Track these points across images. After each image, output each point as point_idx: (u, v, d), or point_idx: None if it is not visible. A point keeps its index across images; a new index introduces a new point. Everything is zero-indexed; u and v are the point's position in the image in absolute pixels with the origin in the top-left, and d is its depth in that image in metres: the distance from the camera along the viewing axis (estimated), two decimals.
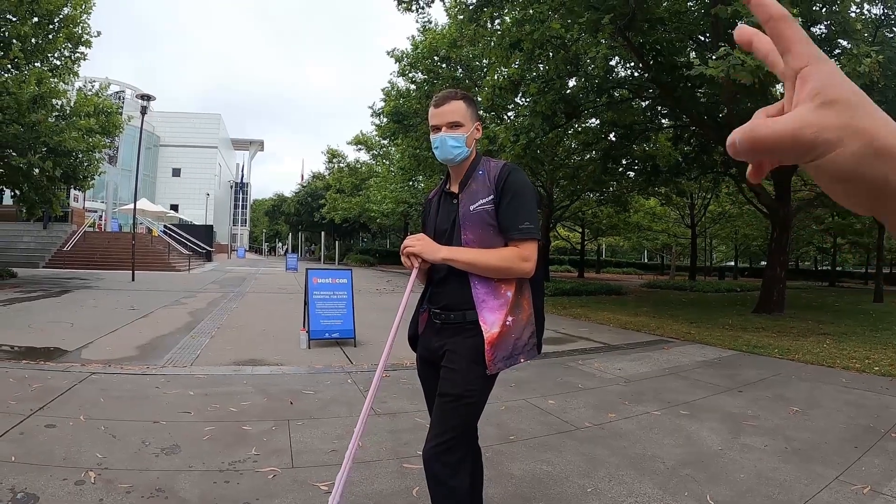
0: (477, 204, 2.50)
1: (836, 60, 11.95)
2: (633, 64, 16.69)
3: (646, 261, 70.91)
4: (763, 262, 44.95)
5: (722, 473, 4.27)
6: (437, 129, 2.55)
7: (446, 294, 2.57)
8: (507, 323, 2.46)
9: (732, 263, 56.58)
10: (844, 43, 12.68)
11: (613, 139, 20.59)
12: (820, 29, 13.15)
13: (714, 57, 9.87)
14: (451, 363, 2.51)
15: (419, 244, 2.51)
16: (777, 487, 4.05)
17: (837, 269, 49.24)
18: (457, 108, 2.54)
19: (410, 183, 38.96)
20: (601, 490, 3.88)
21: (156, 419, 4.99)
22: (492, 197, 2.48)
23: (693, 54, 13.27)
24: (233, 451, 4.33)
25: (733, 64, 9.57)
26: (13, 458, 3.91)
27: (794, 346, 10.44)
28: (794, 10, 9.48)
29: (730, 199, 32.58)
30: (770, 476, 4.25)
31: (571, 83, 16.74)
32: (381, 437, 4.76)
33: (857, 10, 12.32)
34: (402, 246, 2.57)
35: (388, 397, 5.96)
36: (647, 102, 18.87)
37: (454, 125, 2.53)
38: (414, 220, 44.28)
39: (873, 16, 13.05)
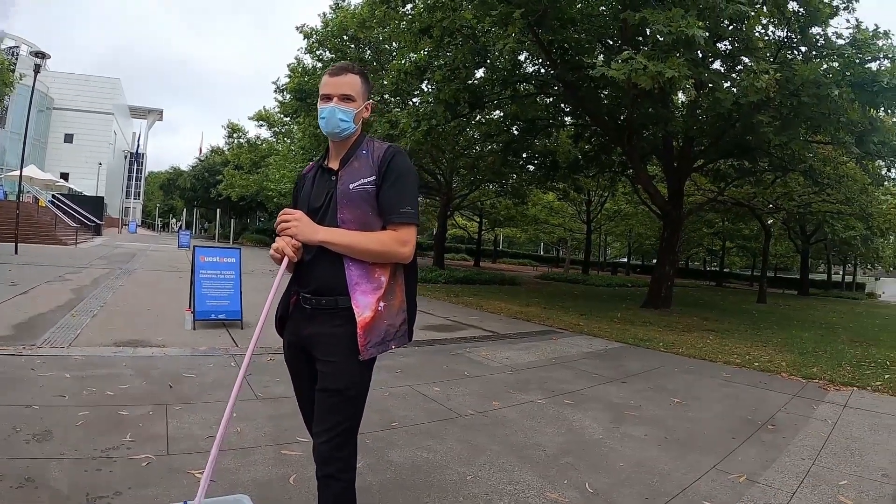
0: (357, 182, 2.38)
1: (736, 76, 12.58)
2: (540, 60, 16.89)
3: (542, 253, 72.44)
4: (655, 261, 46.91)
5: (602, 462, 4.30)
6: (329, 98, 2.44)
7: (317, 276, 2.44)
8: (380, 308, 2.38)
9: (626, 259, 58.69)
10: (746, 60, 13.31)
11: (515, 132, 20.88)
12: (725, 45, 13.75)
13: (619, 60, 10.07)
14: (328, 356, 2.41)
15: (296, 224, 2.36)
16: (656, 475, 4.10)
17: (725, 270, 52.35)
18: (352, 82, 2.45)
19: (310, 163, 38.10)
20: (481, 477, 3.83)
21: (28, 403, 4.65)
22: (374, 178, 2.38)
23: (601, 57, 13.55)
24: (107, 437, 4.08)
25: (635, 68, 9.81)
26: None
27: (679, 340, 10.84)
28: (701, 24, 9.86)
29: (626, 199, 33.75)
30: (649, 464, 4.31)
31: (478, 74, 16.84)
32: (260, 423, 4.57)
33: (762, 30, 12.96)
34: (277, 222, 2.41)
35: (270, 381, 5.76)
36: (550, 99, 19.23)
37: (346, 98, 2.43)
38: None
39: (777, 37, 13.74)
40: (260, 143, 52.67)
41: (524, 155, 23.02)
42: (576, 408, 5.75)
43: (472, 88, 16.03)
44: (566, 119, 20.85)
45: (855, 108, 12.15)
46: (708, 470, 4.27)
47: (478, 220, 44.84)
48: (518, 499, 3.54)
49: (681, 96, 16.58)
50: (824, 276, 51.30)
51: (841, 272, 54.32)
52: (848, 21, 12.89)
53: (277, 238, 2.42)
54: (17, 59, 43.09)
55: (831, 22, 12.76)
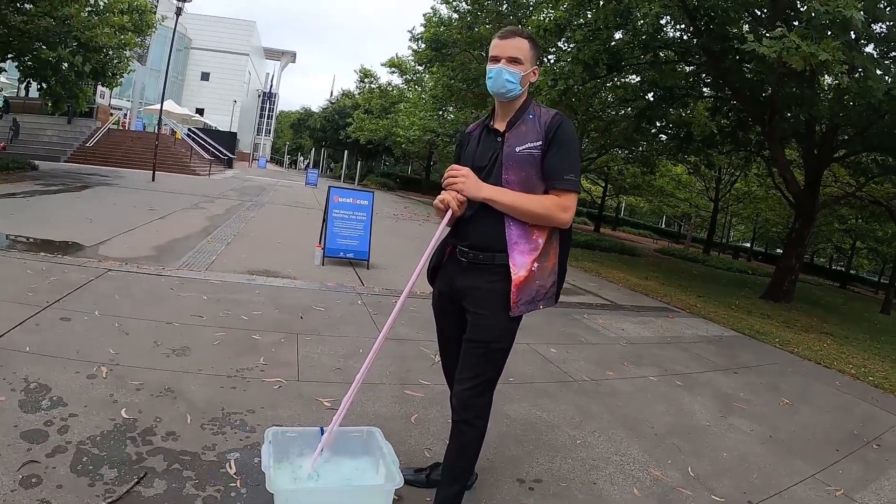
0: (524, 146, 2.50)
1: (891, 64, 11.75)
2: (683, 27, 16.22)
3: (662, 226, 70.29)
4: (779, 250, 44.83)
5: (706, 448, 4.39)
6: (497, 60, 2.53)
7: (477, 232, 2.57)
8: (534, 269, 2.53)
9: (748, 245, 56.18)
10: None
11: (651, 99, 20.14)
12: (881, 27, 12.71)
13: (769, 36, 9.66)
14: (480, 308, 2.58)
15: (464, 181, 2.50)
16: (755, 472, 4.16)
17: (851, 271, 48.97)
18: (520, 45, 2.52)
19: (440, 112, 38.35)
20: (590, 443, 4.02)
21: (169, 320, 5.13)
22: (540, 143, 2.49)
23: (747, 27, 12.94)
24: (241, 358, 4.47)
25: (787, 47, 9.36)
26: (27, 349, 4.03)
27: (796, 338, 10.44)
28: (859, 4, 9.22)
29: (758, 181, 31.84)
30: (751, 460, 4.36)
31: (618, 35, 16.30)
32: (386, 361, 4.87)
33: None
34: (445, 177, 2.56)
35: (397, 323, 6.07)
36: (691, 68, 18.41)
37: (514, 61, 2.51)
38: (439, 150, 43.62)
39: None
40: (391, 89, 53.21)
41: (658, 124, 22.19)
42: (686, 390, 5.82)
43: (612, 50, 15.59)
44: (705, 91, 19.99)
45: None
46: (807, 477, 4.25)
47: (603, 185, 44.00)
48: (623, 470, 3.72)
49: (828, 79, 15.52)
50: None
51: None
52: None
53: (444, 191, 2.56)
54: (158, 1, 45.27)
55: None
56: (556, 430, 4.15)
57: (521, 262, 2.50)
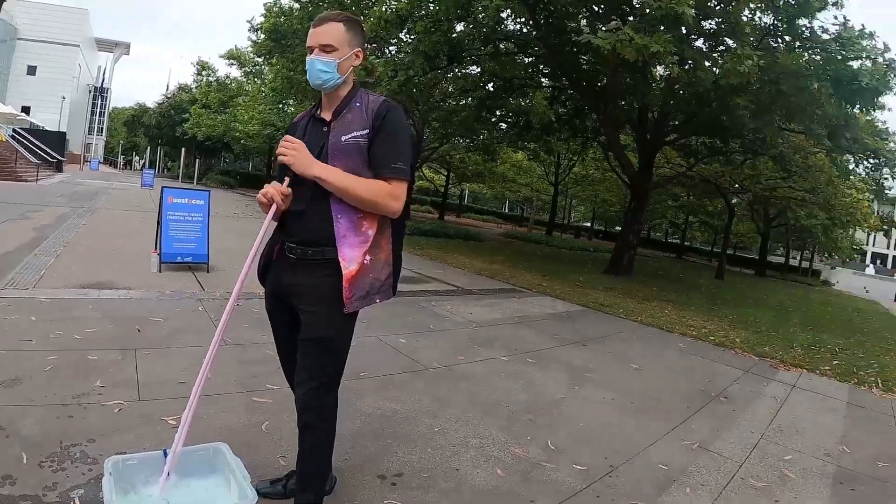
0: (350, 135, 2.40)
1: (718, 56, 12.80)
2: (523, 20, 16.72)
3: (506, 211, 72.55)
4: (618, 228, 47.79)
5: (563, 421, 4.49)
6: (311, 50, 2.44)
7: (304, 227, 2.46)
8: (366, 262, 2.43)
9: (589, 224, 59.17)
10: (730, 42, 13.48)
11: (491, 90, 20.76)
12: (710, 24, 13.78)
13: (604, 29, 10.16)
14: (312, 306, 2.47)
15: (295, 153, 2.36)
16: (614, 437, 4.32)
17: (686, 243, 53.20)
18: (333, 31, 2.42)
19: (280, 106, 37.78)
20: (448, 430, 3.97)
21: None
22: (367, 131, 2.40)
23: (584, 22, 13.55)
24: (77, 382, 4.02)
25: (621, 39, 9.93)
26: None
27: (639, 308, 11.11)
28: (691, 2, 9.89)
29: (595, 165, 33.98)
30: (608, 426, 4.53)
31: (459, 27, 16.60)
32: (229, 369, 4.57)
33: (750, 15, 13.00)
34: (279, 150, 2.41)
35: (237, 326, 5.71)
36: (530, 59, 19.14)
37: (327, 48, 2.41)
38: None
39: (763, 24, 13.81)
40: (229, 82, 51.35)
41: (498, 113, 23.04)
42: (538, 367, 5.93)
43: (453, 42, 15.88)
44: (543, 81, 20.84)
45: (832, 102, 12.59)
46: (663, 435, 4.50)
47: (445, 173, 44.68)
48: (484, 452, 3.69)
49: (659, 70, 16.73)
50: (782, 260, 52.53)
51: (798, 258, 55.75)
52: (836, 18, 13.00)
53: (267, 185, 2.42)
54: None
55: (819, 16, 12.91)
56: (412, 420, 4.06)
57: (351, 256, 2.41)
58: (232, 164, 64.91)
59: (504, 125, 24.87)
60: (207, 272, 9.04)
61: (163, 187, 9.48)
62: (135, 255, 9.56)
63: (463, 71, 20.54)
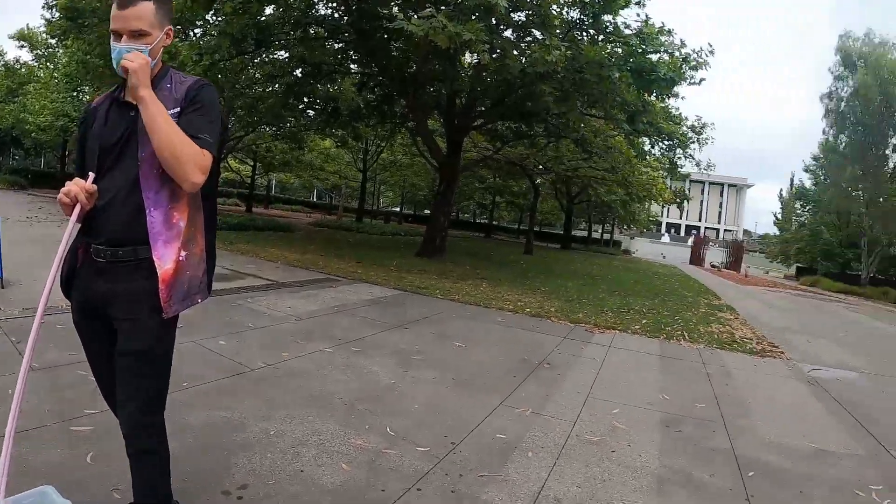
0: None
1: (525, 46, 13.68)
2: (335, 5, 16.69)
3: (315, 199, 71.79)
4: (427, 211, 49.00)
5: (397, 405, 4.54)
6: (118, 35, 2.14)
7: (112, 224, 2.17)
8: (182, 258, 2.22)
9: (398, 209, 60.04)
10: (537, 33, 14.27)
11: (299, 75, 20.44)
12: (519, 16, 14.49)
13: (418, 16, 10.44)
14: (126, 315, 2.20)
15: (141, 64, 2.08)
16: (450, 415, 4.45)
17: (494, 223, 56.10)
18: (143, 13, 2.13)
19: (75, 94, 34.47)
20: (284, 431, 3.83)
21: None
22: (179, 110, 2.17)
23: (397, 9, 13.64)
24: None
25: (434, 26, 10.22)
26: None
27: (455, 287, 11.51)
28: None
29: (403, 150, 34.87)
30: (442, 405, 4.66)
31: (268, 10, 16.18)
32: (40, 398, 3.98)
33: (558, 9, 13.91)
34: (127, 57, 2.09)
35: (44, 347, 4.96)
36: (340, 45, 19.07)
37: (139, 34, 2.14)
38: (75, 139, 39.18)
39: (570, 17, 14.89)
40: (19, 67, 46.33)
41: (306, 99, 22.71)
42: (364, 355, 5.94)
43: (261, 25, 15.43)
44: (352, 67, 20.93)
45: (632, 91, 14.03)
46: (496, 406, 4.72)
47: (252, 163, 43.33)
48: (325, 448, 3.63)
49: (468, 57, 17.36)
50: (585, 233, 56.74)
51: (600, 231, 60.38)
52: (638, 15, 14.56)
53: (68, 184, 2.13)
54: None
55: (622, 12, 14.13)
56: (246, 427, 3.86)
57: (165, 254, 2.18)
58: (22, 162, 58.63)
59: (312, 112, 24.55)
60: (3, 288, 8.09)
61: None
62: None
63: (271, 56, 20.09)
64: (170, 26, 2.27)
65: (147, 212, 2.15)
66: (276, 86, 21.88)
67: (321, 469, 3.36)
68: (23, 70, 44.19)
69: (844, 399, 6.40)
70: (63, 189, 2.13)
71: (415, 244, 21.19)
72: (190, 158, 2.10)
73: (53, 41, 33.36)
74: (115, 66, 2.14)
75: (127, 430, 2.26)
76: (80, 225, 2.24)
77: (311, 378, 5.01)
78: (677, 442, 4.41)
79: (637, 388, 5.79)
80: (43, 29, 31.78)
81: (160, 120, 2.06)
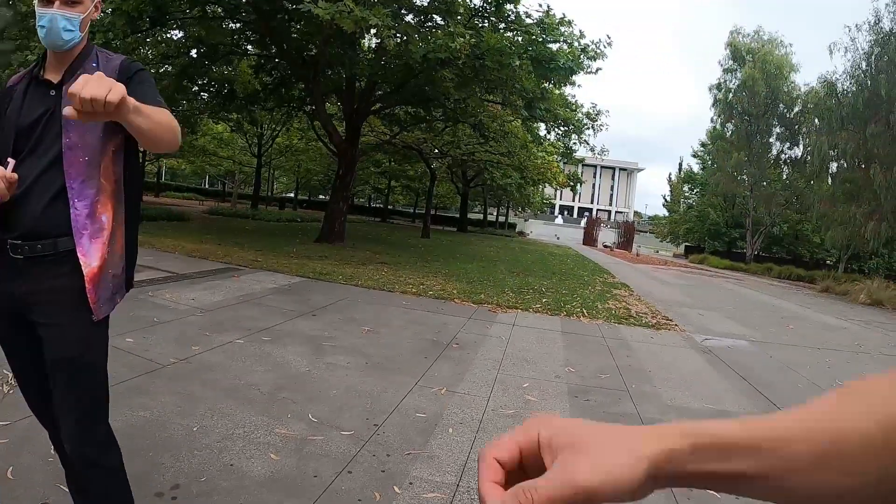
0: None
1: (427, 32, 13.81)
2: None
3: (206, 186, 69.61)
4: (322, 196, 48.39)
5: (316, 392, 4.61)
6: (49, 2, 1.95)
7: (29, 215, 1.94)
8: (105, 255, 2.04)
9: (293, 195, 59.09)
10: (438, 19, 14.67)
11: (194, 56, 19.66)
12: (423, 1, 14.64)
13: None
14: (51, 318, 2.01)
15: (116, 89, 1.61)
16: (368, 398, 4.56)
17: (389, 207, 56.38)
18: None
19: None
20: (207, 427, 3.79)
21: None
22: None
23: None
24: None
25: (341, 10, 10.24)
26: None
27: (357, 273, 11.55)
28: None
29: (300, 134, 34.44)
30: (359, 388, 4.76)
31: None
32: None
33: None
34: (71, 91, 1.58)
35: None
36: (237, 25, 18.52)
37: (73, 1, 1.98)
38: None
39: (473, 5, 15.19)
40: None
41: (200, 82, 21.84)
42: (276, 344, 5.95)
43: (157, 3, 14.62)
44: (249, 48, 20.38)
45: (531, 78, 14.44)
46: (412, 387, 4.89)
47: (141, 150, 41.71)
48: (251, 440, 3.64)
49: (366, 41, 17.30)
50: (480, 216, 57.52)
51: (495, 213, 61.40)
52: (540, 5, 14.95)
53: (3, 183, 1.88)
54: None
55: (524, 2, 14.83)
56: (167, 425, 3.78)
57: (91, 250, 2.00)
58: None
59: (206, 95, 23.67)
60: None
61: None
62: None
63: (165, 35, 19.27)
64: (100, 0, 2.16)
65: (71, 203, 1.98)
66: (170, 67, 21.04)
67: (251, 461, 3.37)
68: None
69: (737, 364, 7.03)
70: None
71: (313, 230, 21.02)
72: (175, 124, 2.02)
73: None
74: (40, 35, 2.00)
75: (72, 446, 2.10)
76: None
77: (226, 370, 4.97)
78: (586, 410, 4.73)
79: (543, 362, 6.12)
80: None
81: (147, 111, 1.85)
